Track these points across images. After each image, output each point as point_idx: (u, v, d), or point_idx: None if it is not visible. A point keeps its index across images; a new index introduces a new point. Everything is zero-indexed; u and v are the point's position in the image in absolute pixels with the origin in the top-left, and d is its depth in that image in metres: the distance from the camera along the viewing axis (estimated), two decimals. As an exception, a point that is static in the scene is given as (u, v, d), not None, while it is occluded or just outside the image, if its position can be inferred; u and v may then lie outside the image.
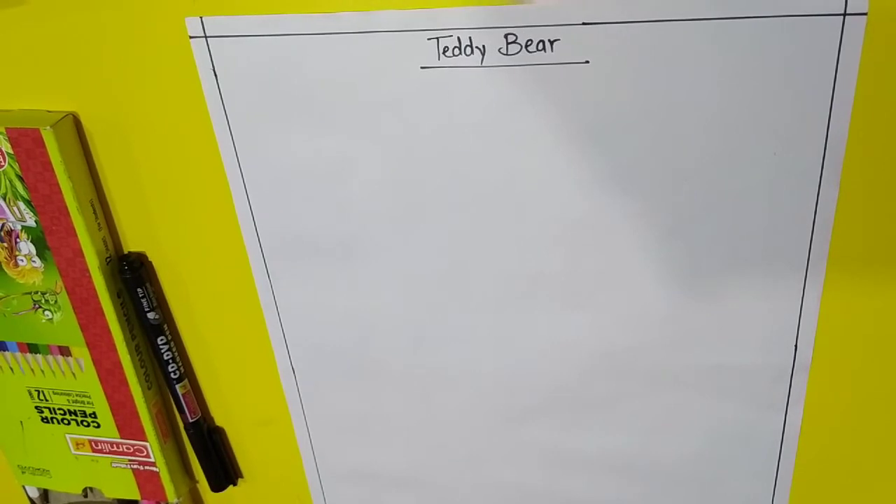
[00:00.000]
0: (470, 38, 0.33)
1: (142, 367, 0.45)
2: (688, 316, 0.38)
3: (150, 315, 0.43)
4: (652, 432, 0.42)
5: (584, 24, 0.32)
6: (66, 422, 0.48)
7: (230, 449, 0.50)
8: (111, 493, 0.50)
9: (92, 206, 0.41)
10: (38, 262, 0.42)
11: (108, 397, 0.46)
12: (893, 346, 0.37)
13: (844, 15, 0.30)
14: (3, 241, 0.42)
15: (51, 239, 0.41)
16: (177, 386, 0.46)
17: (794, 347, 0.38)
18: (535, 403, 0.43)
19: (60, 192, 0.39)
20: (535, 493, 0.46)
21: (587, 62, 0.33)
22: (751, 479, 0.42)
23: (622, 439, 0.43)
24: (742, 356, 0.39)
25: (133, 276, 0.42)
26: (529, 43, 0.32)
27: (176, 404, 0.47)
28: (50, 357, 0.45)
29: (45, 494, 0.53)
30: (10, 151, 0.39)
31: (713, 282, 0.37)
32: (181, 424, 0.48)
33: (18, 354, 0.46)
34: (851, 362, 0.38)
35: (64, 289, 0.42)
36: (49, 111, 0.39)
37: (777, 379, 0.39)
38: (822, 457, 0.41)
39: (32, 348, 0.45)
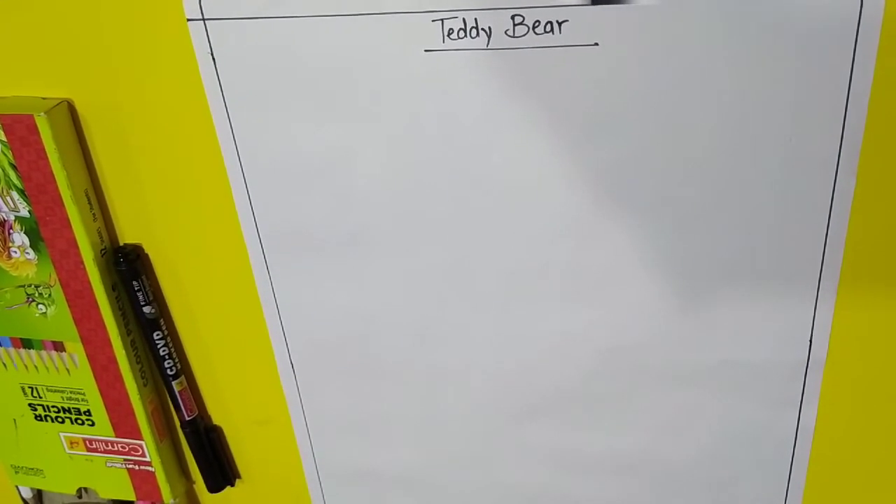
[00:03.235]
0: (476, 19, 0.32)
1: (137, 363, 0.44)
2: (699, 311, 0.38)
3: (146, 309, 0.43)
4: (662, 431, 0.42)
5: (593, 4, 0.31)
6: (60, 420, 0.47)
7: (228, 448, 0.49)
8: (106, 494, 0.50)
9: (87, 195, 0.40)
10: (31, 254, 0.41)
11: (103, 394, 0.45)
12: (911, 341, 0.37)
13: (863, -7, 0.29)
14: (-5, 232, 0.41)
15: (45, 230, 0.40)
16: (173, 383, 0.45)
17: (808, 343, 0.37)
18: (540, 401, 0.42)
19: (54, 181, 0.39)
20: (540, 493, 0.46)
21: (596, 44, 0.32)
22: (763, 479, 0.42)
23: (631, 438, 0.42)
24: (755, 353, 0.38)
25: (128, 268, 0.41)
26: (537, 24, 0.32)
27: (172, 402, 0.46)
28: (44, 352, 0.45)
29: (38, 495, 0.53)
30: (4, 139, 0.38)
31: (725, 276, 0.36)
32: (177, 423, 0.47)
33: (12, 350, 0.45)
34: (867, 359, 0.38)
35: (58, 281, 0.42)
36: (43, 98, 0.38)
37: (791, 376, 0.39)
38: (836, 456, 0.41)
39: (26, 343, 0.45)
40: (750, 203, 0.34)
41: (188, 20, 0.35)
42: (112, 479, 0.49)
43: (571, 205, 0.36)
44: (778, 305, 0.37)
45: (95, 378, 0.45)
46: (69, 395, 0.46)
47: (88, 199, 0.40)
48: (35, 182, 0.39)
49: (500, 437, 0.44)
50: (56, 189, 0.39)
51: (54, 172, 0.38)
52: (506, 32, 0.32)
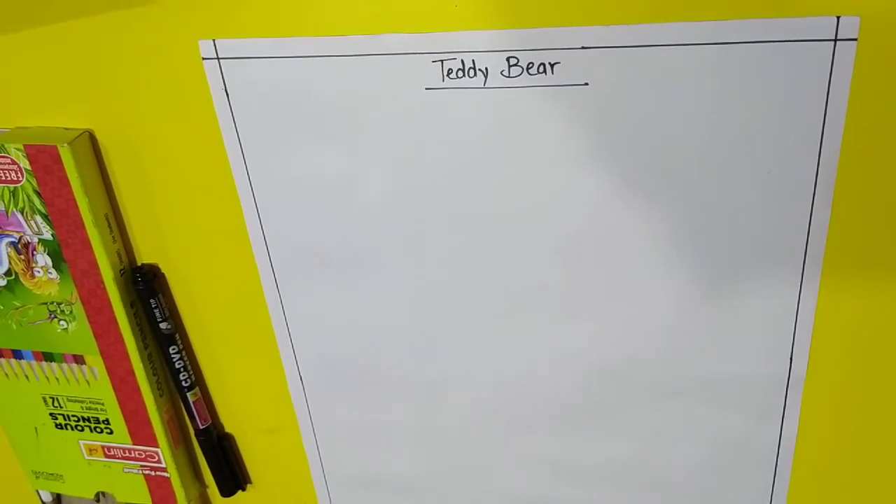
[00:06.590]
0: (473, 60, 0.34)
1: (154, 375, 0.46)
2: (686, 328, 0.39)
3: (163, 325, 0.44)
4: (652, 442, 0.43)
5: (583, 47, 0.33)
6: (79, 428, 0.48)
7: (239, 455, 0.50)
8: (123, 498, 0.51)
9: (107, 219, 0.41)
10: (54, 274, 0.43)
11: (121, 404, 0.47)
12: (886, 356, 0.38)
13: (835, 41, 0.31)
14: (20, 254, 0.43)
15: (67, 251, 0.42)
16: (188, 394, 0.46)
17: (789, 359, 0.39)
18: (537, 413, 0.43)
19: (76, 206, 0.40)
20: (538, 501, 0.47)
21: (586, 84, 0.33)
22: (748, 489, 0.43)
23: (623, 449, 0.43)
24: (739, 367, 0.39)
25: (146, 287, 0.43)
26: (531, 65, 0.33)
27: (187, 411, 0.47)
28: (64, 365, 0.46)
29: (58, 499, 0.54)
30: (28, 167, 0.40)
31: (711, 295, 0.38)
32: (192, 431, 0.49)
33: (34, 362, 0.46)
34: (845, 373, 0.39)
35: (79, 299, 0.43)
36: (66, 128, 0.40)
37: (773, 390, 0.40)
38: (817, 466, 0.42)
39: (47, 357, 0.46)
40: (733, 230, 0.36)
41: (204, 59, 0.36)
42: (129, 484, 0.50)
43: (564, 229, 0.37)
44: (760, 323, 0.38)
45: (114, 389, 0.46)
46: (88, 404, 0.47)
47: (108, 223, 0.42)
48: (58, 207, 0.40)
49: (499, 447, 0.45)
50: (78, 214, 0.40)
51: (76, 198, 0.40)
52: (501, 73, 0.34)
